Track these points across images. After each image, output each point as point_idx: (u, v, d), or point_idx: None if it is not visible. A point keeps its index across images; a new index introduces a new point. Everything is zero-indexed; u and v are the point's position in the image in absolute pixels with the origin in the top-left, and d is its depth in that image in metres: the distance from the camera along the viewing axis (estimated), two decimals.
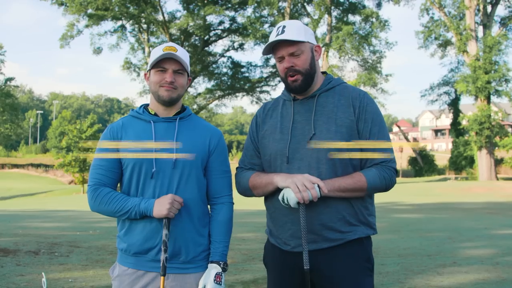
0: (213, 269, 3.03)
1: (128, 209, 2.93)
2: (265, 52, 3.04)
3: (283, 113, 3.10)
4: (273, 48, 3.03)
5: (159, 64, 3.03)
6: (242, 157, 3.26)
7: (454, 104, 61.32)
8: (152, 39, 60.10)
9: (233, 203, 3.22)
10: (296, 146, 2.97)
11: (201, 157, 3.08)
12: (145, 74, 3.17)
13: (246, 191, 3.16)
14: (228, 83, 62.88)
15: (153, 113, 3.11)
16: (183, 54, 3.06)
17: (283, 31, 2.94)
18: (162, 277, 2.89)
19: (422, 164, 67.34)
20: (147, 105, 3.19)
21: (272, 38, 2.96)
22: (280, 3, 53.76)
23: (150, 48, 56.29)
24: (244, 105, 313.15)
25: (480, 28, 52.22)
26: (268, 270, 3.19)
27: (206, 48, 61.88)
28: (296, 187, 2.77)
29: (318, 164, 2.94)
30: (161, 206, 2.88)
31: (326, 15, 55.79)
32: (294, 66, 2.96)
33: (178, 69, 3.06)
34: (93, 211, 3.10)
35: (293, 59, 2.96)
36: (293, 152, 2.97)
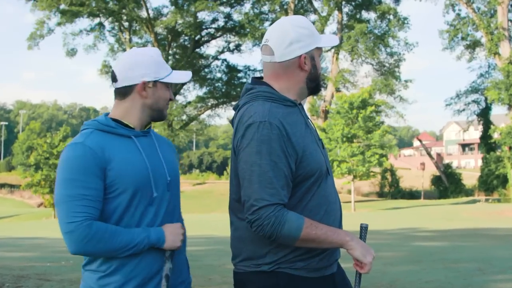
0: None
1: (136, 243, 2.80)
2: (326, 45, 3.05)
3: (299, 118, 3.02)
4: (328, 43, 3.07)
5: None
6: (271, 190, 2.77)
7: (484, 115, 61.44)
8: (135, 39, 60.47)
9: None
10: (326, 158, 3.03)
11: (178, 175, 3.13)
12: (143, 83, 2.98)
13: (287, 239, 2.80)
14: (223, 90, 63.08)
15: (132, 126, 3.00)
16: None
17: None
18: None
19: (448, 183, 67.33)
20: (107, 114, 3.05)
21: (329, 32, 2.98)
22: None
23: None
24: None
25: None
26: None
27: (197, 50, 62.17)
28: (371, 267, 2.84)
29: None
30: (175, 236, 2.89)
31: (336, 12, 56.07)
32: None
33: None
34: (78, 254, 2.83)
35: None
36: (328, 164, 3.02)
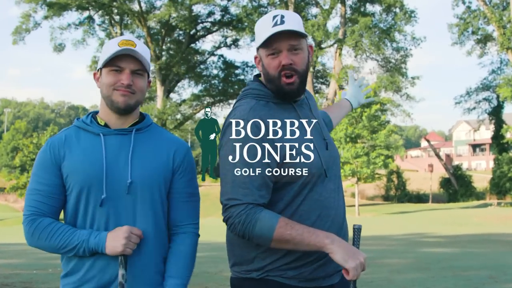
0: None
1: (74, 245, 2.85)
2: (263, 44, 2.95)
3: (292, 117, 3.00)
4: (265, 41, 2.96)
5: (113, 62, 2.94)
6: (245, 190, 2.82)
7: (496, 113, 61.45)
8: (126, 33, 60.24)
9: (199, 235, 3.17)
10: (327, 160, 3.01)
11: (164, 178, 3.02)
12: (94, 74, 3.08)
13: (260, 239, 2.83)
14: (219, 87, 63.08)
15: (103, 123, 3.03)
16: (143, 50, 2.99)
17: (282, 21, 2.91)
18: None
19: (457, 186, 67.33)
20: (97, 112, 3.10)
21: (269, 27, 2.93)
22: None
23: None
24: None
25: None
26: None
27: (193, 45, 62.18)
28: (357, 274, 2.73)
29: (340, 187, 3.11)
30: (115, 241, 2.81)
31: (339, 5, 56.08)
32: (293, 64, 2.94)
33: (137, 69, 2.97)
34: (31, 247, 3.01)
35: (292, 55, 2.94)
36: (327, 167, 3.01)
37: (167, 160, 3.05)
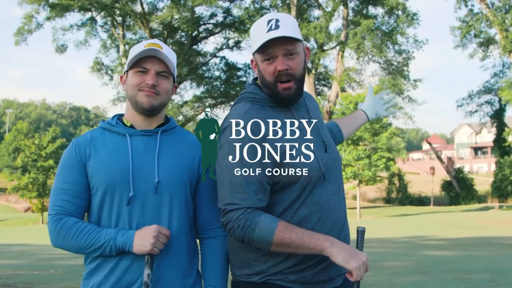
0: None
1: (101, 244, 2.83)
2: (258, 50, 2.93)
3: (286, 117, 2.98)
4: (261, 47, 2.94)
5: (139, 64, 2.97)
6: (242, 194, 2.81)
7: (498, 116, 61.37)
8: (129, 35, 60.36)
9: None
10: (326, 162, 2.98)
11: (189, 179, 3.03)
12: (121, 77, 3.12)
13: (260, 243, 2.81)
14: (221, 89, 62.90)
15: (129, 124, 3.05)
16: (169, 53, 3.03)
17: (277, 26, 2.87)
18: None
19: (459, 189, 67.27)
20: (122, 115, 3.13)
21: (264, 33, 2.89)
22: None
23: (126, 46, 56.34)
24: None
25: None
26: None
27: (195, 47, 62.02)
28: (360, 274, 2.72)
29: (341, 189, 3.09)
30: (144, 240, 2.80)
31: (342, 7, 55.97)
32: (289, 69, 2.91)
33: (162, 71, 3.00)
34: (55, 247, 3.00)
35: (288, 60, 2.91)
36: (326, 170, 2.97)
37: (193, 162, 3.07)
